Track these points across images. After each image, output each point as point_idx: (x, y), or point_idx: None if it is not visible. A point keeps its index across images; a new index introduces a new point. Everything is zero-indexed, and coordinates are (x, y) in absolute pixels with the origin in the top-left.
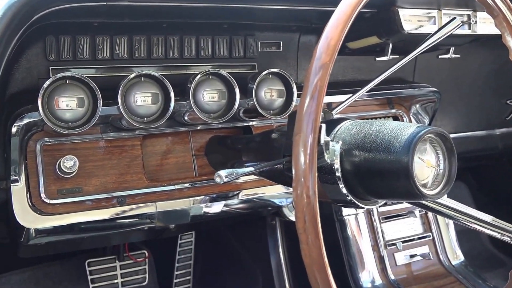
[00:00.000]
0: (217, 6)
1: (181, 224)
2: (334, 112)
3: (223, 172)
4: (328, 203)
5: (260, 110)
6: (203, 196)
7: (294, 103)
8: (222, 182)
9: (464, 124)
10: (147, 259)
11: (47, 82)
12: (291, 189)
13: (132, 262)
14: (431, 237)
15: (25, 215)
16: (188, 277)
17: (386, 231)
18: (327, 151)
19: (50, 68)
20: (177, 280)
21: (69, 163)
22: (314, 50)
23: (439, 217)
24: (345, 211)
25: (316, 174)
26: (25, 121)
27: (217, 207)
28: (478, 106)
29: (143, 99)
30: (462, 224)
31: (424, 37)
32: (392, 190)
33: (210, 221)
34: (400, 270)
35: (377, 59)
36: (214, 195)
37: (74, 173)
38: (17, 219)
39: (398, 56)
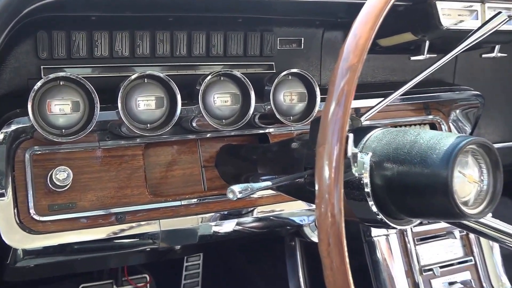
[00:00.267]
0: None
1: (187, 245)
2: (362, 118)
3: (236, 187)
4: (355, 222)
5: (278, 116)
6: (213, 214)
7: (317, 108)
8: (235, 199)
9: (511, 132)
10: (148, 284)
11: (38, 84)
12: (313, 206)
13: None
14: (473, 262)
15: (12, 234)
16: None
17: (422, 254)
18: (355, 164)
19: (42, 67)
20: None
21: (62, 175)
22: (340, 49)
23: (482, 239)
24: (375, 231)
25: (342, 190)
26: (13, 127)
27: (228, 226)
28: None
29: (146, 103)
30: (508, 247)
31: (465, 33)
32: (429, 208)
33: (221, 242)
34: None
35: (412, 58)
36: (225, 212)
37: (68, 186)
38: (3, 238)
39: (435, 55)
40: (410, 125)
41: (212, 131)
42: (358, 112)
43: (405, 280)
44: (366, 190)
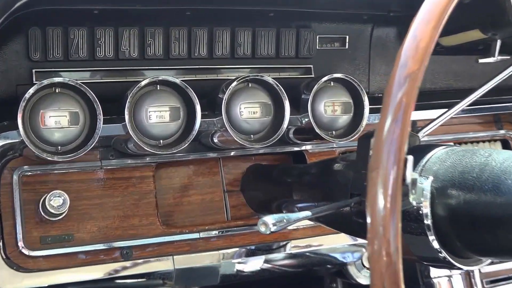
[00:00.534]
0: None
1: (206, 287)
2: (420, 134)
3: (269, 219)
4: (411, 261)
5: (317, 131)
6: (237, 248)
7: (364, 122)
8: (268, 232)
9: None
10: None
11: (30, 91)
12: (359, 241)
13: None
14: None
15: None
16: None
17: None
18: (413, 191)
19: (34, 71)
20: None
21: (56, 201)
22: (397, 53)
23: None
24: (435, 271)
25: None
26: None
27: (256, 264)
28: None
29: (159, 115)
30: None
31: None
32: (503, 246)
33: (247, 282)
34: None
35: (480, 61)
36: (253, 247)
37: (64, 214)
38: None
39: (508, 57)
40: (478, 142)
41: (238, 149)
42: (414, 125)
43: None
44: (425, 222)
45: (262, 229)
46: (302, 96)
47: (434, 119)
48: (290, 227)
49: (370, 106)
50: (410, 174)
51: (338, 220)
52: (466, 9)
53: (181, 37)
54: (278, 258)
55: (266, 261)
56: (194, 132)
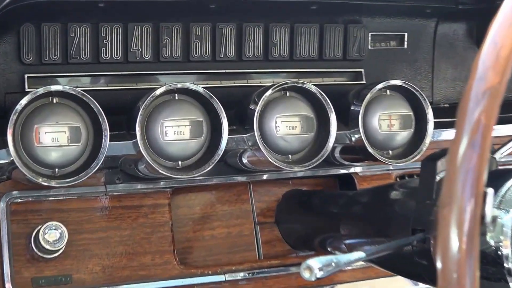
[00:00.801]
0: None
1: None
2: (497, 155)
3: (315, 262)
4: None
5: (370, 150)
6: None
7: (428, 139)
8: (313, 279)
9: None
10: None
11: (22, 102)
12: (421, 286)
13: None
14: None
15: None
16: None
17: None
18: (491, 228)
19: (26, 76)
20: None
21: (52, 234)
22: (473, 63)
23: None
24: None
25: (478, 271)
26: None
27: None
28: None
29: (177, 130)
30: None
31: None
32: None
33: None
34: None
35: None
36: None
37: (61, 251)
38: None
39: None
40: None
41: (272, 171)
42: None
43: None
44: (506, 265)
45: (306, 275)
46: (351, 108)
47: None
48: None
49: (435, 120)
50: (490, 211)
51: (396, 260)
52: None
53: (204, 35)
54: None
55: None
56: (220, 152)
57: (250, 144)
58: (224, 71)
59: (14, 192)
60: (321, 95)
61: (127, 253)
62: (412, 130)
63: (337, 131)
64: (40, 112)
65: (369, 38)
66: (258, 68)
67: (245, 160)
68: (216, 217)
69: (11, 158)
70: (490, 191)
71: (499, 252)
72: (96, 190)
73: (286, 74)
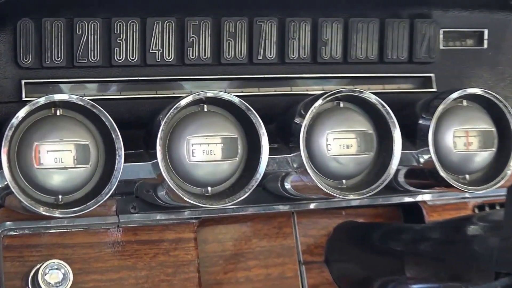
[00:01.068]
0: None
1: None
2: None
3: None
4: None
5: (442, 174)
6: None
7: None
8: None
9: None
10: None
11: (20, 114)
12: None
13: None
14: None
15: None
16: None
17: None
18: None
19: (23, 82)
20: None
21: (54, 275)
22: None
23: None
24: None
25: None
26: None
27: None
28: None
29: (207, 149)
30: None
31: None
32: None
33: None
34: None
35: None
36: None
37: None
38: None
39: None
40: None
41: (321, 200)
42: None
43: None
44: None
45: None
46: (419, 122)
47: None
48: None
49: None
50: None
51: None
52: None
53: (239, 32)
54: None
55: None
56: (258, 176)
57: (295, 166)
58: (263, 76)
59: (8, 223)
60: (383, 106)
61: None
62: (494, 149)
63: (402, 150)
64: (40, 126)
65: (441, 35)
66: (304, 73)
67: (288, 186)
68: (252, 255)
69: (5, 182)
70: None
71: None
72: (106, 221)
73: (338, 80)
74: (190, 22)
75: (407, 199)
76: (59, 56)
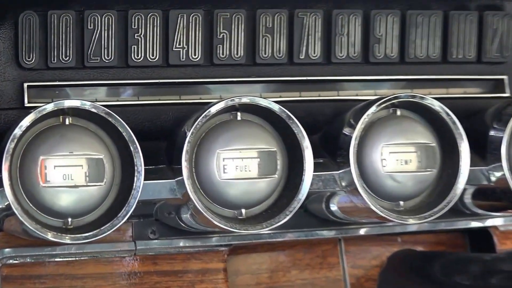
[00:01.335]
0: None
1: None
2: None
3: None
4: None
5: None
6: None
7: None
8: None
9: None
10: None
11: (23, 123)
12: None
13: None
14: None
15: None
16: None
17: None
18: None
19: (26, 86)
20: None
21: None
22: None
23: None
24: None
25: None
26: None
27: None
28: None
29: (240, 165)
30: None
31: None
32: None
33: None
34: None
35: None
36: None
37: None
38: None
39: None
40: None
41: (374, 224)
42: None
43: None
44: None
45: None
46: (490, 133)
47: None
48: None
49: None
50: None
51: None
52: None
53: (277, 27)
54: None
55: None
56: (301, 196)
57: (343, 184)
58: (304, 78)
59: (7, 250)
60: (447, 114)
61: None
62: None
63: (470, 166)
64: (47, 138)
65: None
66: (354, 75)
67: (334, 208)
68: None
69: (7, 203)
70: None
71: None
72: (121, 248)
73: (394, 83)
74: (221, 15)
75: (475, 224)
76: (68, 55)
